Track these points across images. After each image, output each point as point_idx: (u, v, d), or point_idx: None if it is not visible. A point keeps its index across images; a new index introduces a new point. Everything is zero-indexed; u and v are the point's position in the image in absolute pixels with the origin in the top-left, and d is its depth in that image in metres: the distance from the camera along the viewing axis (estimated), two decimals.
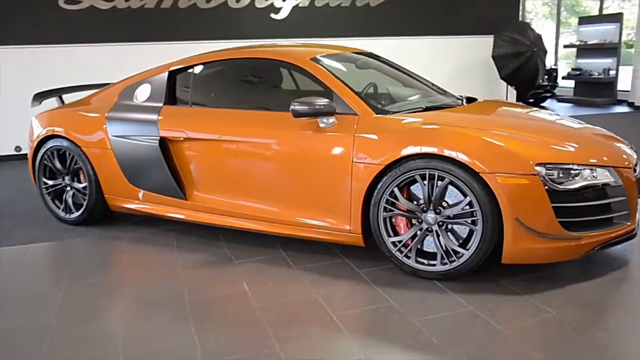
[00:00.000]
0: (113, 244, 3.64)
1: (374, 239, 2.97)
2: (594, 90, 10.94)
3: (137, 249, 3.53)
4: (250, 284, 2.90)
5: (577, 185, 2.67)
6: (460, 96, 3.69)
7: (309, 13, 7.64)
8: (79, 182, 3.95)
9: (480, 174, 2.63)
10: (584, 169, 2.71)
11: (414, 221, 2.87)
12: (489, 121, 3.22)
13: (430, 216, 2.81)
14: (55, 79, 5.47)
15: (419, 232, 2.84)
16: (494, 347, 2.24)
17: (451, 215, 2.77)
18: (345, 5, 7.82)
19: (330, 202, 3.03)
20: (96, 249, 3.61)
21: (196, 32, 7.13)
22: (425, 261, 2.86)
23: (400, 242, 2.89)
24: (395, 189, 2.83)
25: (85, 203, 3.89)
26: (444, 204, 2.79)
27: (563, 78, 11.53)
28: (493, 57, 8.19)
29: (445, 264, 2.80)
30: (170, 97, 3.65)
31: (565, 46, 12.40)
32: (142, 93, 3.76)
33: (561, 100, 11.33)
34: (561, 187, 2.65)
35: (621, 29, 10.81)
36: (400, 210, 2.87)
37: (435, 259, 2.84)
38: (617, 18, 10.86)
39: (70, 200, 3.99)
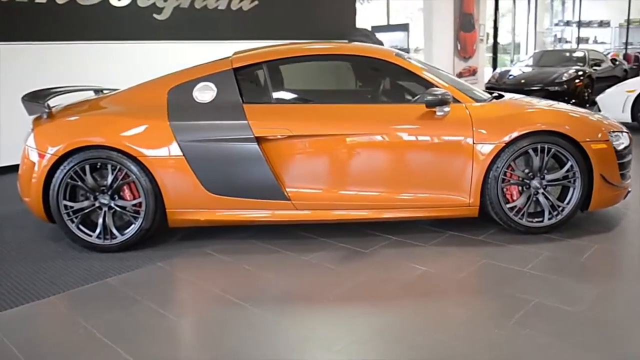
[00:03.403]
0: (216, 260, 3.28)
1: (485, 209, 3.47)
2: None
3: (252, 258, 3.26)
4: (421, 265, 3.09)
5: (622, 147, 3.63)
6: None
7: (189, 15, 7.38)
8: (121, 199, 3.39)
9: (580, 143, 3.38)
10: (620, 134, 3.68)
11: (520, 188, 3.47)
12: (552, 105, 3.89)
13: (536, 182, 3.44)
14: None
15: (530, 196, 3.45)
16: None
17: (551, 179, 3.46)
18: (222, 9, 7.77)
19: (453, 181, 3.40)
20: (208, 268, 3.20)
21: (75, 32, 6.27)
22: (533, 219, 3.49)
23: (514, 207, 3.45)
24: (512, 163, 3.39)
25: (140, 222, 3.37)
26: (545, 170, 3.46)
27: None
28: None
29: (551, 218, 3.48)
30: (243, 95, 3.46)
31: None
32: (204, 93, 3.45)
33: None
34: (618, 148, 3.57)
35: (408, 36, 13.00)
36: (514, 180, 3.44)
37: (538, 217, 3.49)
38: (404, 27, 13.02)
39: (111, 222, 3.40)
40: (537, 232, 3.49)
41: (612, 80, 10.52)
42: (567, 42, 16.46)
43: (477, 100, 3.55)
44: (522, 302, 2.60)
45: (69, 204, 3.36)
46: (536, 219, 3.49)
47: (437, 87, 3.43)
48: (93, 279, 3.04)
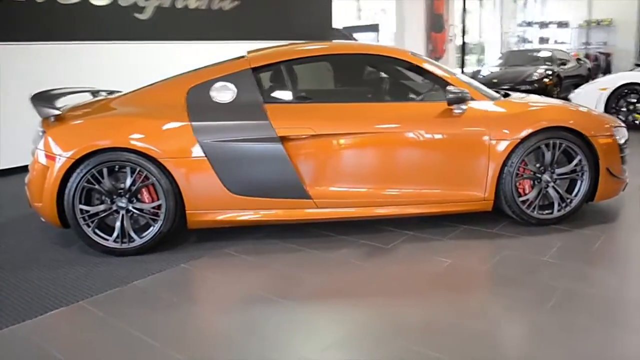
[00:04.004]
0: (242, 260, 3.25)
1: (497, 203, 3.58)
2: None
3: (278, 258, 3.26)
4: (445, 258, 3.16)
5: (622, 140, 3.81)
6: None
7: (171, 14, 7.27)
8: (139, 201, 3.34)
9: (589, 138, 3.53)
10: (620, 128, 3.85)
11: (532, 182, 3.60)
12: (559, 102, 4.05)
13: (547, 176, 3.58)
14: None
15: (541, 190, 3.59)
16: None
17: (561, 173, 3.60)
18: (203, 8, 7.69)
19: (471, 176, 3.50)
20: (237, 268, 3.17)
21: (55, 32, 6.09)
22: (544, 212, 3.63)
23: (526, 200, 3.58)
24: (526, 158, 3.51)
25: (159, 224, 3.32)
26: (555, 165, 3.60)
27: None
28: None
29: (560, 210, 3.63)
30: (263, 95, 3.46)
31: None
32: (223, 93, 3.43)
33: None
34: (620, 142, 3.75)
35: (379, 36, 13.19)
36: (527, 174, 3.56)
37: (547, 209, 3.63)
38: (375, 27, 13.21)
39: (129, 226, 3.33)
40: (547, 223, 3.63)
41: (578, 78, 10.98)
42: (529, 42, 17.03)
43: (489, 98, 3.66)
44: (552, 289, 2.71)
45: (85, 208, 3.28)
46: (546, 211, 3.63)
47: (455, 85, 3.52)
48: (120, 283, 2.97)
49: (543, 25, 16.73)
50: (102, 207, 3.31)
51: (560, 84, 10.47)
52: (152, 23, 7.02)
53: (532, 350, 2.21)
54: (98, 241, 3.32)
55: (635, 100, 7.36)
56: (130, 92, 3.63)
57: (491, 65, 11.82)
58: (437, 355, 2.19)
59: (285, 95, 3.53)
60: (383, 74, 4.08)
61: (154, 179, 3.27)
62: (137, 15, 6.89)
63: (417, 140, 3.44)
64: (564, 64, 10.99)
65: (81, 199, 3.27)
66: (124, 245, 3.33)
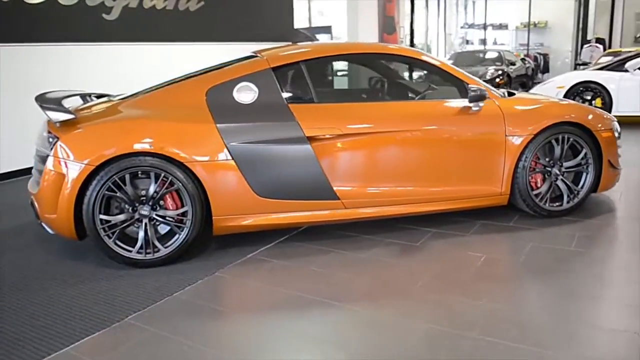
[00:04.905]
0: (275, 265, 3.18)
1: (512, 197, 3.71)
2: None
3: (311, 260, 3.21)
4: (478, 252, 3.24)
5: (617, 133, 4.05)
6: None
7: (138, 15, 7.01)
8: (163, 208, 3.19)
9: (593, 132, 3.73)
10: (615, 122, 4.09)
11: (543, 176, 3.75)
12: (562, 100, 4.25)
13: (556, 169, 3.75)
14: None
15: (551, 183, 3.75)
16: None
17: (569, 166, 3.78)
18: (170, 9, 7.46)
19: (490, 172, 3.60)
20: (273, 272, 3.08)
21: (22, 32, 5.71)
22: (554, 204, 3.79)
23: (539, 193, 3.73)
24: (538, 153, 3.66)
25: (186, 232, 3.19)
26: (562, 158, 3.77)
27: None
28: None
29: (569, 202, 3.80)
30: (286, 95, 3.41)
31: None
32: (245, 93, 3.34)
33: None
34: (617, 135, 3.98)
35: (332, 38, 13.28)
36: (539, 168, 3.71)
37: (557, 201, 3.80)
38: (327, 29, 13.28)
39: (153, 235, 3.18)
40: (558, 215, 3.79)
41: (524, 77, 11.55)
42: (470, 43, 17.73)
43: (499, 96, 3.78)
44: (596, 276, 2.85)
45: (106, 218, 3.09)
46: (556, 203, 3.80)
47: (471, 84, 3.60)
48: (159, 296, 2.81)
49: (484, 26, 17.48)
50: (122, 216, 3.13)
51: (510, 83, 10.97)
52: (120, 23, 6.74)
53: (606, 337, 2.30)
54: (121, 253, 3.14)
55: (590, 97, 7.83)
56: (142, 94, 3.47)
57: None
58: (513, 345, 2.24)
59: (308, 94, 3.48)
60: (399, 74, 4.13)
61: (180, 184, 3.13)
62: (104, 15, 6.58)
63: (442, 138, 3.50)
64: (513, 64, 11.54)
65: (101, 209, 3.08)
66: (149, 256, 3.17)
